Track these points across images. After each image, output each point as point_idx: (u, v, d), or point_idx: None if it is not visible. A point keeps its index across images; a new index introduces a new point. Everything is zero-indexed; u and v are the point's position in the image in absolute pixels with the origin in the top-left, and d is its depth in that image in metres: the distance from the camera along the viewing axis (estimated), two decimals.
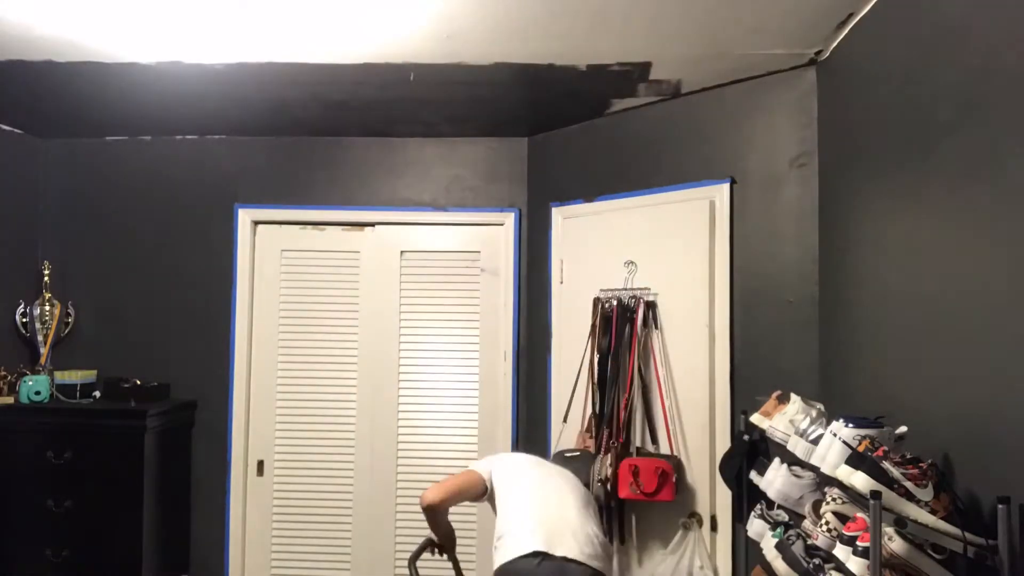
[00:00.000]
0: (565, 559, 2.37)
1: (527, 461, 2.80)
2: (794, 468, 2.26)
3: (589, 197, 3.46)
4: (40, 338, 3.73)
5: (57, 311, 3.77)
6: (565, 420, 3.34)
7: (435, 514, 2.63)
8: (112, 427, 3.42)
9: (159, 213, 3.89)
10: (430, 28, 2.51)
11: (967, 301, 1.70)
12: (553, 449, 3.39)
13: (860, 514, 1.68)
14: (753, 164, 2.92)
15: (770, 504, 2.36)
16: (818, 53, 2.68)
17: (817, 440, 1.94)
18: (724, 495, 2.88)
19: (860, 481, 1.57)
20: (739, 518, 2.76)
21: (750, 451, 2.61)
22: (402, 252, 3.85)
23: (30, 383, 3.53)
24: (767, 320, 2.85)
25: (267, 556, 3.78)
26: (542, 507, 2.53)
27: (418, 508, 3.67)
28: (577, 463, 3.03)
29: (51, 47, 2.69)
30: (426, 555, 2.78)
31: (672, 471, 2.88)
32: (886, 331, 2.14)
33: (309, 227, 3.90)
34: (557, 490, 2.62)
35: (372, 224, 3.87)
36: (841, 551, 1.69)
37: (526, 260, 3.79)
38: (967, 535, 1.47)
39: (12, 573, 3.38)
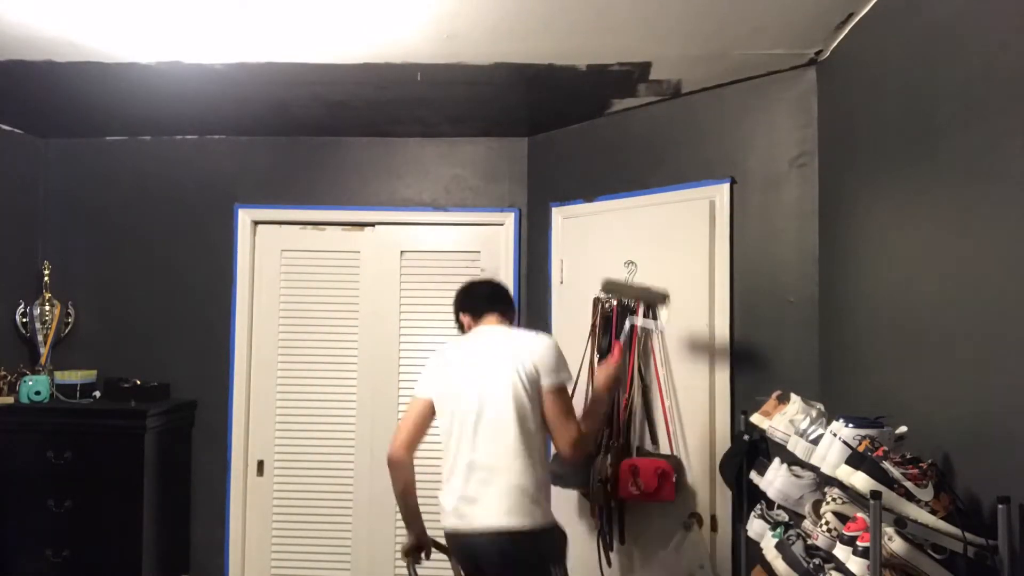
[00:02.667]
0: (475, 534, 2.40)
1: (461, 365, 2.55)
2: (794, 468, 2.25)
3: (589, 197, 3.46)
4: (40, 338, 3.73)
5: (57, 311, 3.77)
6: None
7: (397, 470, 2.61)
8: (112, 427, 3.42)
9: (159, 213, 3.89)
10: (430, 28, 2.51)
11: (967, 301, 1.70)
12: (553, 449, 3.38)
13: (860, 514, 1.68)
14: (753, 164, 2.92)
15: (770, 504, 2.36)
16: (818, 53, 2.68)
17: (817, 440, 1.94)
18: (724, 495, 2.88)
19: (860, 481, 1.57)
20: (739, 518, 2.76)
21: (750, 451, 2.61)
22: (402, 252, 3.85)
23: (30, 383, 3.53)
24: (767, 320, 2.85)
25: (267, 556, 3.78)
26: (468, 452, 2.48)
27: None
28: (577, 463, 3.03)
29: (51, 47, 2.69)
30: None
31: (672, 471, 2.88)
32: (886, 331, 2.14)
33: (309, 227, 3.90)
34: (492, 422, 2.43)
35: (372, 224, 3.87)
36: (841, 551, 1.68)
37: (526, 260, 3.79)
38: (967, 535, 1.47)
39: (12, 573, 3.37)
